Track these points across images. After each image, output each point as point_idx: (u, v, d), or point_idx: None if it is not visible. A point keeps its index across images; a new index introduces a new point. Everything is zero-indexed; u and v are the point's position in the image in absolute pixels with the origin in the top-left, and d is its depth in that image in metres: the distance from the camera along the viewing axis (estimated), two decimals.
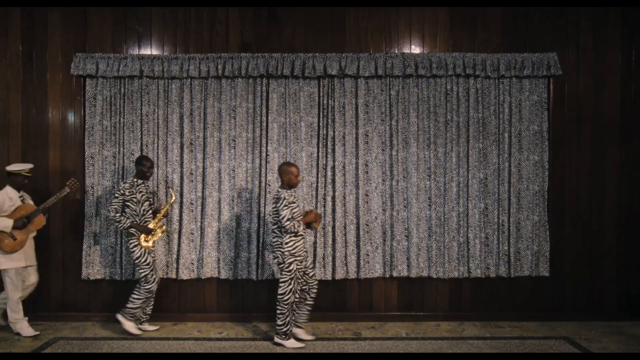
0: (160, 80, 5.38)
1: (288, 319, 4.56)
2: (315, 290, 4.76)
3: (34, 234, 4.97)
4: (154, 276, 4.84)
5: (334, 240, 5.37)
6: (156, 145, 5.39)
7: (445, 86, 5.41)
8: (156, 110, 5.39)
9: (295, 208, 4.55)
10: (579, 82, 5.45)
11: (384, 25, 5.45)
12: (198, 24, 5.42)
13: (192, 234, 5.36)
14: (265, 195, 5.37)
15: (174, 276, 5.33)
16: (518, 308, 5.45)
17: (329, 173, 5.40)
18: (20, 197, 4.88)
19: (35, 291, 5.09)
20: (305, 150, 5.40)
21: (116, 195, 4.79)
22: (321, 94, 5.41)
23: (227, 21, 5.43)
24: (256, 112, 5.40)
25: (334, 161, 5.39)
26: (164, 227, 4.99)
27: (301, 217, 4.60)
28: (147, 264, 4.81)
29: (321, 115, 5.41)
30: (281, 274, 4.56)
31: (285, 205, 4.47)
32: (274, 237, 4.61)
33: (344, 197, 5.38)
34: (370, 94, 5.41)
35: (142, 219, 4.87)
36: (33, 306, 5.33)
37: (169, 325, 5.23)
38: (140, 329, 4.96)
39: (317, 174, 5.40)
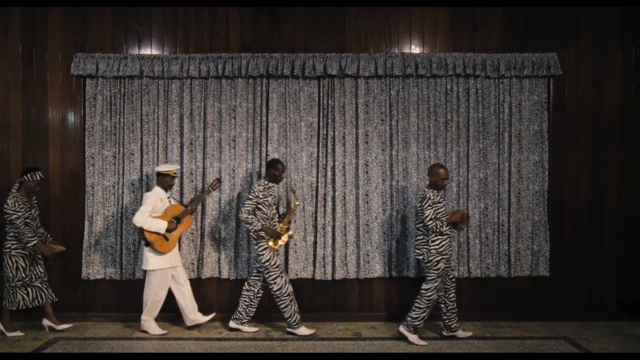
0: (160, 80, 5.38)
1: (424, 314, 4.65)
2: (453, 293, 4.81)
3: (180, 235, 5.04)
4: (284, 278, 4.84)
5: (333, 240, 5.37)
6: (156, 145, 5.39)
7: (445, 86, 5.41)
8: (156, 110, 5.39)
9: (440, 208, 4.62)
10: (579, 82, 5.45)
11: (384, 25, 5.45)
12: (198, 24, 5.42)
13: (192, 233, 5.36)
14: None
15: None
16: (518, 308, 5.45)
17: (329, 173, 5.40)
18: (168, 198, 4.93)
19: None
20: (305, 150, 5.40)
21: (250, 197, 4.77)
22: (321, 94, 5.41)
23: (227, 21, 5.43)
24: (256, 112, 5.40)
25: (334, 161, 5.39)
26: (290, 231, 5.00)
27: (446, 217, 4.64)
28: (277, 267, 4.82)
29: (321, 115, 5.41)
30: (428, 271, 4.65)
31: (429, 205, 4.57)
32: (418, 235, 4.71)
33: (344, 197, 5.38)
34: (370, 94, 5.41)
35: (271, 222, 4.89)
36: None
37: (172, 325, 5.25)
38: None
39: (317, 174, 5.40)
